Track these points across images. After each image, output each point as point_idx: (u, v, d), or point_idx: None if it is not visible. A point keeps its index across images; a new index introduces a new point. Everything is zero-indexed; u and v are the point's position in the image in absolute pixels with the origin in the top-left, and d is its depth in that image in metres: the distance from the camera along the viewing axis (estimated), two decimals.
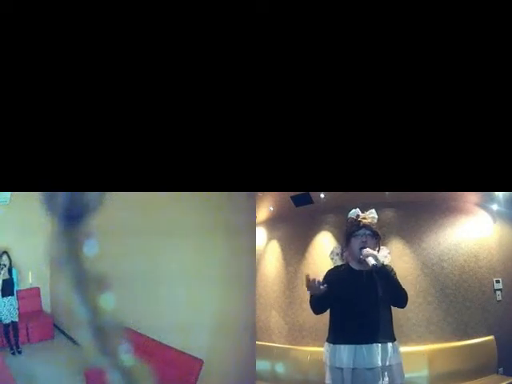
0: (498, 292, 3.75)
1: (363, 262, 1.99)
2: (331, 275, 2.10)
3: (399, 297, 2.00)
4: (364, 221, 2.06)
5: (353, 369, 1.94)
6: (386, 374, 1.94)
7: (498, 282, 3.75)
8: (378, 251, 2.06)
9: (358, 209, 2.13)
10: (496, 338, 3.60)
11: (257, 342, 3.48)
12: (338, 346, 2.00)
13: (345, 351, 1.97)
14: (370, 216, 2.10)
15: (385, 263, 2.03)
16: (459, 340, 3.68)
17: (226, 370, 3.07)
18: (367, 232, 2.04)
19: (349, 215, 2.13)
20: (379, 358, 1.93)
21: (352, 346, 1.96)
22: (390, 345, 1.98)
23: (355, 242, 2.04)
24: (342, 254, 2.18)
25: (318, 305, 2.05)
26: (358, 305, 1.98)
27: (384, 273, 1.96)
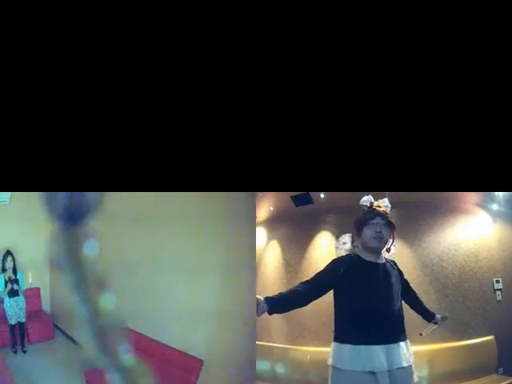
0: (498, 292, 3.75)
1: (375, 252, 1.86)
2: (340, 264, 1.88)
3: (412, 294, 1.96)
4: (379, 209, 1.89)
5: (352, 371, 1.75)
6: (393, 377, 1.74)
7: (497, 282, 3.75)
8: (393, 242, 1.91)
9: (370, 196, 1.95)
10: (496, 338, 3.61)
11: (257, 342, 3.48)
12: (344, 345, 1.80)
13: (350, 352, 1.77)
14: (384, 205, 1.93)
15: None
16: (459, 340, 3.68)
17: (226, 370, 3.06)
18: (382, 221, 1.85)
19: (360, 202, 1.95)
20: (385, 361, 1.73)
21: (358, 347, 1.76)
22: (402, 344, 1.81)
23: (368, 231, 1.85)
24: (352, 244, 1.98)
25: (295, 301, 1.83)
26: (373, 301, 1.80)
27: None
